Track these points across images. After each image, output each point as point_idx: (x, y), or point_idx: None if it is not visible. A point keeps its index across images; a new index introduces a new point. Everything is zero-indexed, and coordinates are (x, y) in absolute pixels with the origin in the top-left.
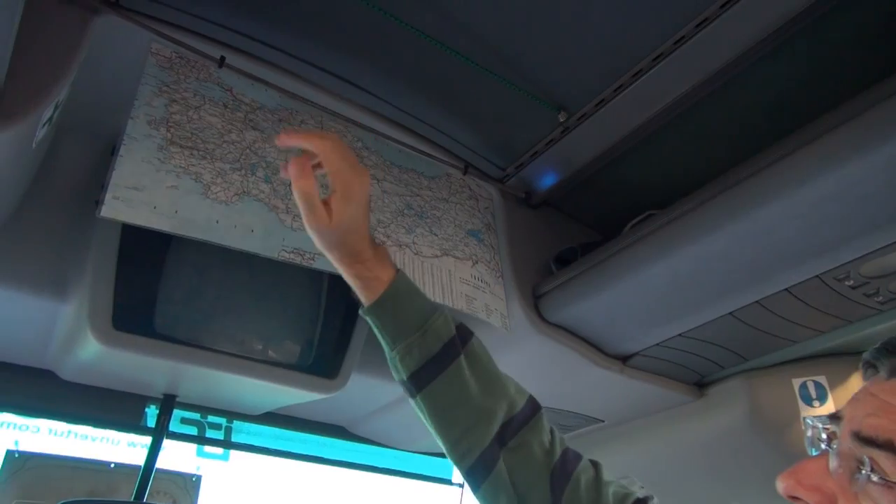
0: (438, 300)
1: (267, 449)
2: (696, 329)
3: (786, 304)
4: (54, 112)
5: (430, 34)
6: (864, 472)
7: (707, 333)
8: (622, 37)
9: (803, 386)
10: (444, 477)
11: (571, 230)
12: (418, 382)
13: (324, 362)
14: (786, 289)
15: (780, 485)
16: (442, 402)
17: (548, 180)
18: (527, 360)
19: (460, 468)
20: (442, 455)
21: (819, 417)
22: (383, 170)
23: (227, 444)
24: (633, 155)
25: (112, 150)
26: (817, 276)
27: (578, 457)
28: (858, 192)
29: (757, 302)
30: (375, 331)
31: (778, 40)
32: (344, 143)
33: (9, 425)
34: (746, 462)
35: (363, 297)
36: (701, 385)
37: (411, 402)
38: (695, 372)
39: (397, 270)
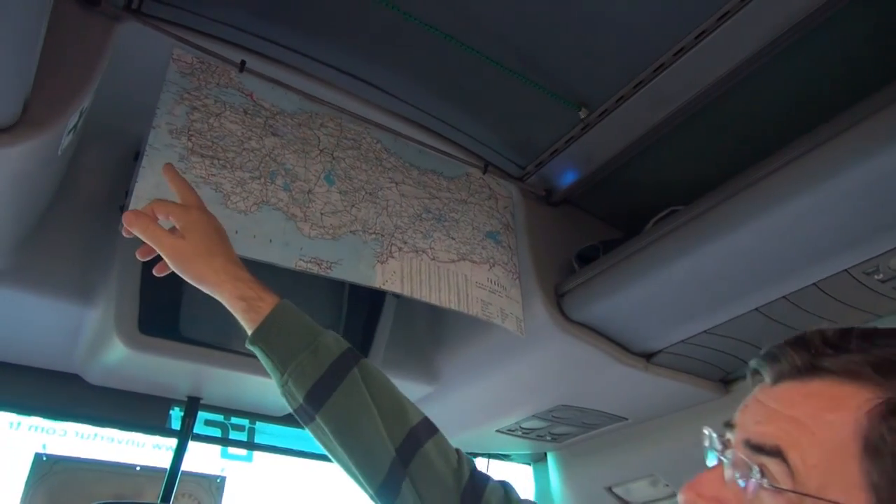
0: (453, 307)
1: (290, 450)
2: (721, 325)
3: (813, 299)
4: (79, 119)
5: (450, 33)
6: (754, 479)
7: (733, 330)
8: (643, 32)
9: None
10: None
11: (592, 228)
12: (316, 400)
13: None
14: (813, 283)
15: (681, 497)
16: (344, 417)
17: (568, 178)
18: (550, 359)
19: (369, 491)
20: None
21: (716, 428)
22: (402, 172)
23: (251, 445)
24: (654, 151)
25: (135, 156)
26: (845, 270)
27: (486, 478)
28: (887, 184)
29: (784, 297)
30: (263, 357)
31: (801, 32)
32: (188, 188)
33: (36, 429)
34: None
35: (248, 322)
36: (726, 382)
37: (308, 428)
38: (720, 369)
39: (279, 296)
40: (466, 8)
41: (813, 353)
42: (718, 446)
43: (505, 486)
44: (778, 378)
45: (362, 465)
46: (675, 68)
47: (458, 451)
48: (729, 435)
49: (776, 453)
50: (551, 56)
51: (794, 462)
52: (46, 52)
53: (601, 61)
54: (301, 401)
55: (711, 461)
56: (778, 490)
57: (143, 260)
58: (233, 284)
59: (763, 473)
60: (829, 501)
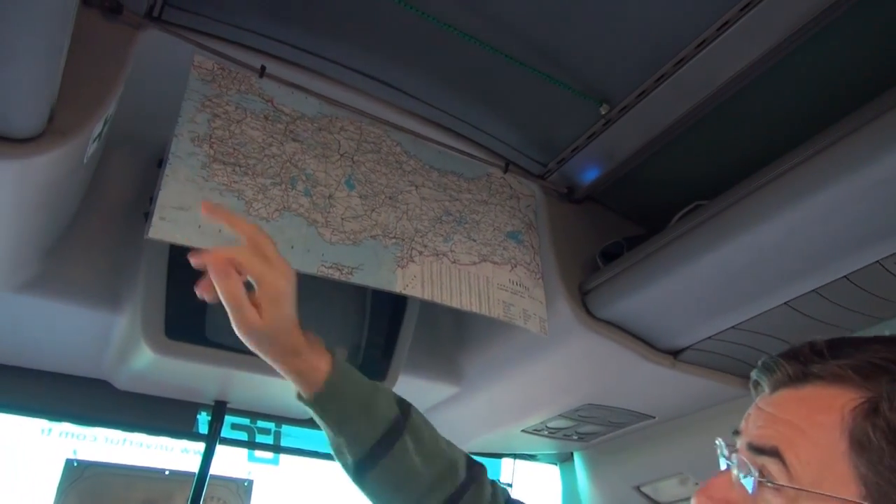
0: (475, 310)
1: (316, 452)
2: (749, 321)
3: (844, 292)
4: (104, 127)
5: (468, 32)
6: (754, 478)
7: (761, 325)
8: (663, 25)
9: None
10: (493, 478)
11: (616, 224)
12: (365, 468)
13: (371, 366)
14: (844, 276)
15: (694, 501)
16: (390, 484)
17: (590, 174)
18: (576, 358)
19: None
20: (490, 455)
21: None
22: (422, 175)
23: (277, 448)
24: (677, 145)
25: (158, 163)
26: (877, 261)
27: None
28: None
29: (814, 291)
30: (318, 419)
31: (828, 19)
32: (263, 234)
33: (67, 435)
34: None
35: (303, 389)
36: None
37: (355, 482)
38: (749, 365)
39: (332, 355)
40: (485, 6)
41: (803, 361)
42: (726, 452)
43: None
44: (775, 387)
45: None
46: (698, 61)
47: (492, 483)
48: (737, 441)
49: (774, 453)
50: (571, 52)
51: (791, 461)
52: (70, 61)
53: (622, 56)
54: (351, 464)
55: (723, 466)
56: (777, 487)
57: (200, 294)
58: (288, 361)
59: (763, 473)
60: (823, 495)
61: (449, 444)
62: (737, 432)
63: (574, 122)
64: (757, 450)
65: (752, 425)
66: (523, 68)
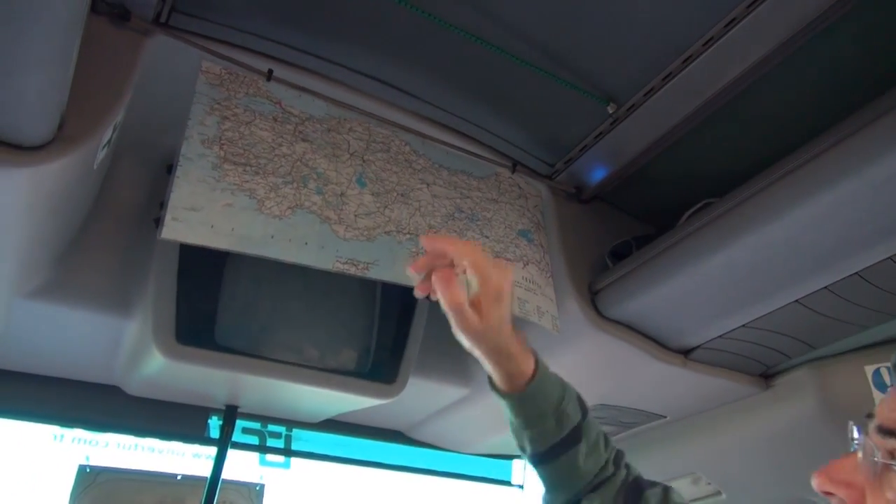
0: None
1: (327, 455)
2: (760, 319)
3: (856, 289)
4: (113, 133)
5: (475, 34)
6: (879, 459)
7: (772, 323)
8: (670, 23)
9: (876, 373)
10: (504, 479)
11: (624, 224)
12: (543, 459)
13: (381, 368)
14: (856, 272)
15: (814, 482)
16: (559, 475)
17: (598, 174)
18: (586, 358)
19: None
20: (501, 456)
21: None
22: (433, 173)
23: (289, 452)
24: (684, 144)
25: (168, 168)
26: (889, 257)
27: (649, 483)
28: None
29: (825, 287)
30: (510, 412)
31: (835, 15)
32: (478, 246)
33: (79, 441)
34: (817, 455)
35: (504, 385)
36: (767, 376)
37: (527, 461)
38: (760, 363)
39: (536, 360)
40: (491, 7)
41: None
42: (855, 435)
43: (666, 492)
44: None
45: (559, 498)
46: (704, 59)
47: (627, 465)
48: (869, 424)
49: None
50: (578, 52)
51: None
52: (79, 69)
53: (628, 55)
54: (530, 453)
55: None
56: None
57: (418, 294)
58: (499, 361)
59: (893, 455)
60: None
61: (606, 440)
62: (869, 415)
63: (581, 121)
64: (886, 431)
65: (886, 408)
66: (530, 69)
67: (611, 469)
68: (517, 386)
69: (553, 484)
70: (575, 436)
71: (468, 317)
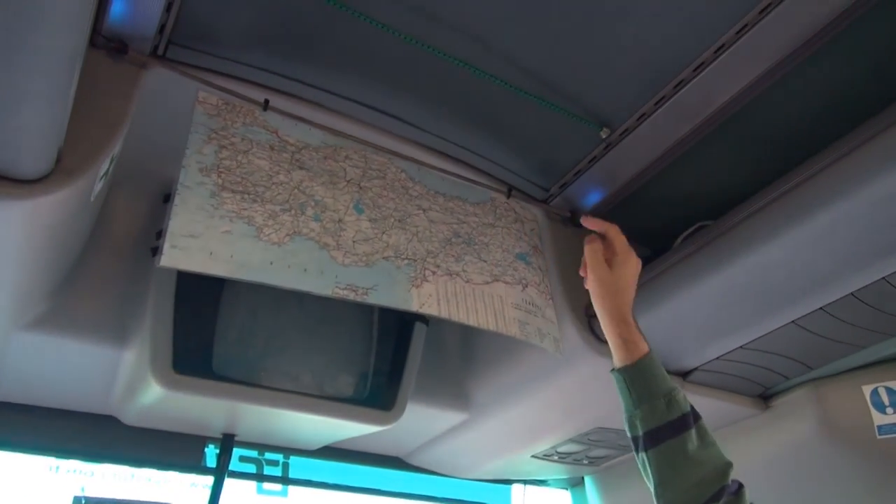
0: (492, 328)
1: (324, 483)
2: (757, 340)
3: (851, 309)
4: (110, 165)
5: (469, 62)
6: None
7: (769, 344)
8: (661, 49)
9: (874, 392)
10: (503, 503)
11: None
12: (652, 440)
13: (379, 394)
14: (850, 293)
15: None
16: (668, 462)
17: (593, 198)
18: (584, 381)
19: None
20: (500, 481)
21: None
22: (429, 199)
23: (286, 480)
24: (678, 167)
25: (164, 198)
26: (883, 278)
27: None
28: None
29: (821, 308)
30: (622, 387)
31: (823, 40)
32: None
33: (74, 471)
34: (818, 475)
35: (619, 357)
36: (766, 397)
37: (637, 455)
38: (758, 384)
39: (650, 348)
40: (484, 36)
41: None
42: None
43: None
44: None
45: (670, 499)
46: (696, 83)
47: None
48: None
49: None
50: (570, 78)
51: None
52: (77, 102)
53: (621, 80)
54: (640, 433)
55: None
56: None
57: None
58: (619, 324)
59: None
60: None
61: (726, 464)
62: None
63: (575, 146)
64: None
65: None
66: (523, 95)
67: (730, 483)
68: (633, 358)
69: (662, 478)
70: (685, 422)
71: (603, 274)
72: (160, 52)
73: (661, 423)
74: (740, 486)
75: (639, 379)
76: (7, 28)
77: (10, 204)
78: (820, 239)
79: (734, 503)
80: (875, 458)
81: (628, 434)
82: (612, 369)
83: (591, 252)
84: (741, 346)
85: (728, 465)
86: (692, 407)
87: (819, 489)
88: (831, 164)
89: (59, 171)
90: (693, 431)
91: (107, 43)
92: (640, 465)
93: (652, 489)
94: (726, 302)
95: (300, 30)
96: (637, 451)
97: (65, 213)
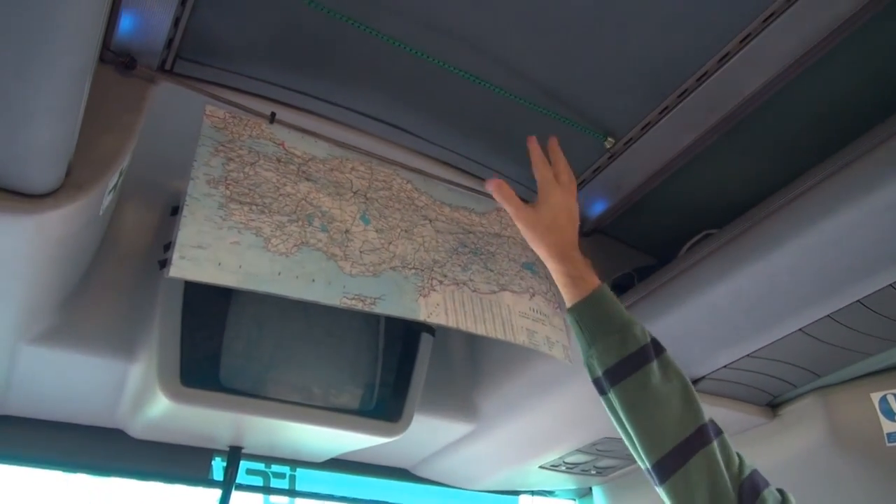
0: (500, 337)
1: (331, 496)
2: (765, 348)
3: (859, 316)
4: (119, 179)
5: (473, 73)
6: None
7: (777, 352)
8: (664, 58)
9: (883, 400)
10: None
11: (625, 255)
12: (612, 378)
13: (386, 405)
14: (858, 300)
15: None
16: (634, 399)
17: (597, 207)
18: (592, 390)
19: (643, 462)
20: (508, 492)
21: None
22: (435, 210)
23: (293, 492)
24: (683, 175)
25: (172, 211)
26: (890, 285)
27: (766, 482)
28: None
29: (828, 316)
30: (576, 327)
31: (826, 48)
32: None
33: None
34: (827, 484)
35: (568, 296)
36: (774, 406)
37: (602, 398)
38: (766, 392)
39: (602, 282)
40: (489, 47)
41: None
42: None
43: (783, 495)
44: None
45: (644, 442)
46: (700, 92)
47: (738, 454)
48: None
49: None
50: (574, 88)
51: None
52: (86, 116)
53: (624, 90)
54: (600, 374)
55: None
56: None
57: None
58: (561, 262)
59: None
60: None
61: (695, 395)
62: None
63: (579, 156)
64: None
65: None
66: (528, 106)
67: (710, 427)
68: (581, 294)
69: (629, 420)
70: (645, 355)
71: (526, 212)
72: (168, 66)
73: (619, 359)
74: (720, 431)
75: (590, 314)
76: (18, 44)
77: (19, 218)
78: (826, 246)
79: (724, 450)
80: (885, 466)
81: (589, 378)
82: (567, 311)
83: (505, 199)
84: (749, 355)
85: (698, 400)
86: (654, 339)
87: (828, 497)
88: (835, 174)
89: (69, 185)
90: (655, 364)
91: (115, 58)
92: (608, 413)
93: (623, 437)
94: (733, 310)
95: (306, 43)
96: (600, 394)
97: (74, 227)
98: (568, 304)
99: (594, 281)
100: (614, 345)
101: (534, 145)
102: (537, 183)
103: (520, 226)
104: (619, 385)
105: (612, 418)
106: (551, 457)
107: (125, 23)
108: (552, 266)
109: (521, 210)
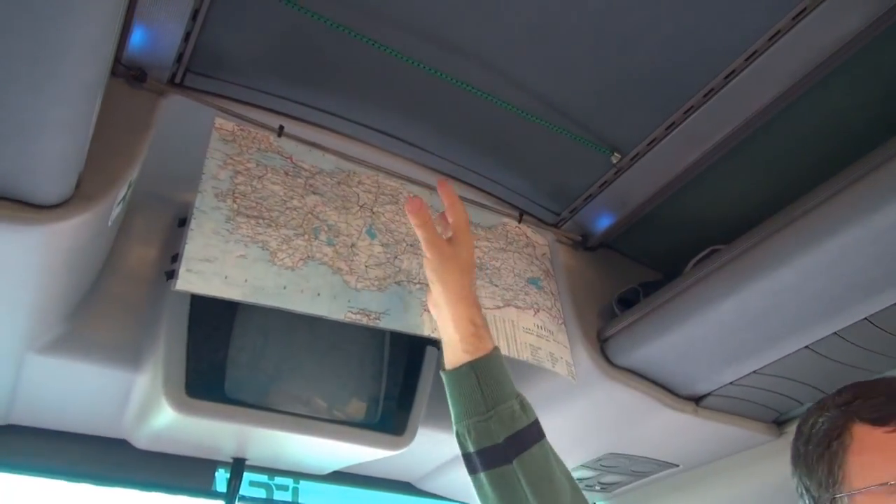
0: (504, 352)
1: None
2: (771, 365)
3: (865, 334)
4: (128, 191)
5: (480, 88)
6: None
7: (783, 369)
8: (671, 75)
9: None
10: None
11: (631, 270)
12: (517, 445)
13: (390, 418)
14: (865, 318)
15: None
16: (541, 468)
17: (603, 222)
18: (596, 407)
19: None
20: None
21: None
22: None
23: None
24: (689, 191)
25: (179, 223)
26: None
27: None
28: None
29: (835, 333)
30: (471, 385)
31: (832, 66)
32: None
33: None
34: None
35: (470, 347)
36: (780, 423)
37: (497, 471)
38: (772, 409)
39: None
40: (495, 62)
41: None
42: None
43: None
44: None
45: None
46: (706, 109)
47: None
48: None
49: None
50: (581, 104)
51: None
52: (97, 128)
53: (631, 106)
54: (501, 441)
55: None
56: None
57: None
58: (470, 306)
59: None
60: None
61: (562, 481)
62: None
63: (586, 171)
64: None
65: None
66: (535, 121)
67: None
68: (485, 348)
69: (536, 492)
70: (540, 430)
71: (443, 243)
72: (178, 80)
73: (522, 427)
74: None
75: (492, 375)
76: (32, 58)
77: (29, 229)
78: (833, 264)
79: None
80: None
81: (472, 448)
82: (451, 368)
83: (427, 227)
84: (755, 371)
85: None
86: (532, 425)
87: None
88: (842, 191)
89: (79, 196)
90: (546, 440)
91: (126, 71)
92: (491, 485)
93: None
94: (739, 326)
95: (314, 57)
96: (499, 465)
97: (83, 238)
98: (469, 358)
99: (491, 338)
100: (516, 410)
101: (447, 187)
102: (452, 223)
103: (433, 255)
104: (522, 456)
105: (510, 494)
106: None
107: (136, 37)
108: (460, 310)
109: (439, 240)
